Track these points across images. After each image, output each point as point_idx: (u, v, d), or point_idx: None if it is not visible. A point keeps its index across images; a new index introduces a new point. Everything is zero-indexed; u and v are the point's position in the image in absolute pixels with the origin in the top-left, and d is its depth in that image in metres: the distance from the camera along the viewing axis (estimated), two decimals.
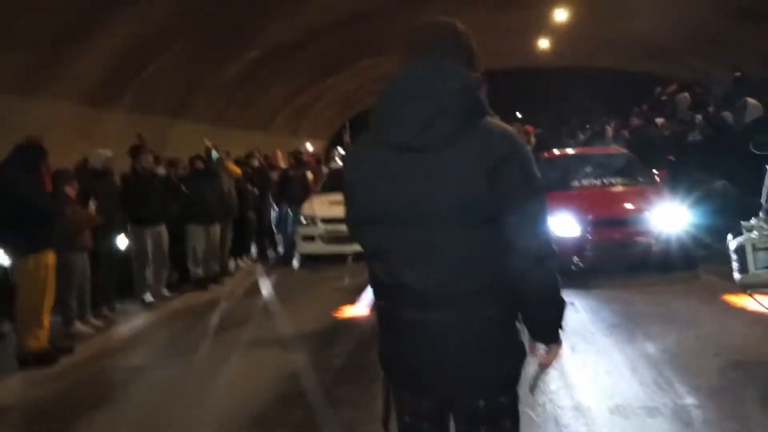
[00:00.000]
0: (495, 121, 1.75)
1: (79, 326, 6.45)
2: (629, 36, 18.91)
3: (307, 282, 8.85)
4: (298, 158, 13.62)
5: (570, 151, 10.84)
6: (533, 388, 1.97)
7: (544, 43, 22.04)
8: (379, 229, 1.79)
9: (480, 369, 1.78)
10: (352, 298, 7.32)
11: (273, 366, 5.11)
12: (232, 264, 10.00)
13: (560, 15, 17.20)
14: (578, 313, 5.84)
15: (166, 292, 8.10)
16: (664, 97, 15.13)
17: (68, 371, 5.36)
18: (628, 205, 7.87)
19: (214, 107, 17.36)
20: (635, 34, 18.27)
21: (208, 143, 9.68)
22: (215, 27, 13.45)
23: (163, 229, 7.99)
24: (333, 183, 11.26)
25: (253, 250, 10.97)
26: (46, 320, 5.52)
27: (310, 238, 10.05)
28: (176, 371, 5.25)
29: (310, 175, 12.98)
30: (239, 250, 10.21)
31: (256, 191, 10.82)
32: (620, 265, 7.33)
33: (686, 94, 14.73)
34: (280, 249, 11.51)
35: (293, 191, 11.95)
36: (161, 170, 8.73)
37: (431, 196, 1.70)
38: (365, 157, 1.83)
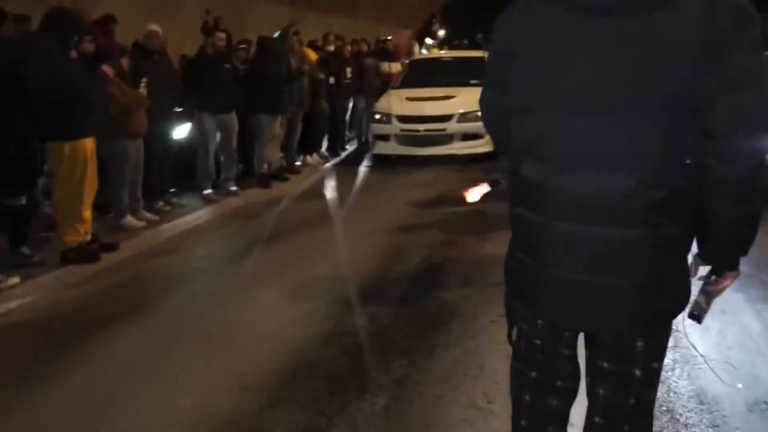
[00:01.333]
0: None
1: (130, 220, 6.02)
2: None
3: (375, 187, 8.07)
4: (380, 47, 12.56)
5: None
6: (699, 317, 1.63)
7: None
8: (542, 118, 1.45)
9: (647, 302, 1.46)
10: (423, 210, 6.54)
11: (319, 292, 4.39)
12: (300, 160, 9.39)
13: None
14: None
15: (233, 186, 7.55)
16: None
17: (108, 271, 4.94)
18: None
19: None
20: None
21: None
22: None
23: (232, 118, 7.33)
24: (413, 76, 10.24)
25: (326, 145, 10.27)
26: (87, 213, 5.05)
27: (384, 137, 9.19)
28: (218, 282, 4.73)
29: (392, 66, 11.94)
30: (309, 145, 9.53)
31: (331, 80, 9.97)
32: None
33: None
34: (348, 147, 10.76)
35: (370, 83, 11.06)
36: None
37: (630, 76, 1.35)
38: (531, 19, 1.47)
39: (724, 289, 1.57)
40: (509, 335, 1.75)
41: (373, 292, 4.32)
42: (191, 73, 7.15)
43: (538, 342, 1.64)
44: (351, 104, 10.93)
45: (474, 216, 5.93)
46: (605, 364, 1.56)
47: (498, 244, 4.53)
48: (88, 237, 5.11)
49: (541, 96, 1.46)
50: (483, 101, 1.68)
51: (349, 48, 10.63)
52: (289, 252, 5.41)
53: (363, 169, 9.31)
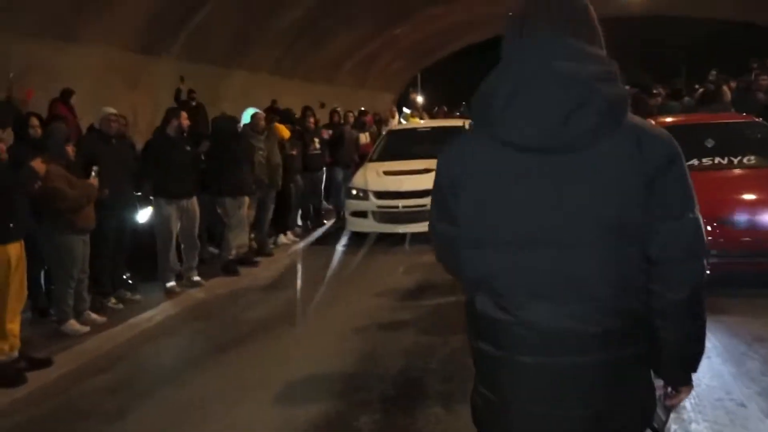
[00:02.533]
0: (637, 117, 1.45)
1: (73, 324, 5.37)
2: None
3: (350, 272, 7.47)
4: (358, 118, 12.24)
5: (683, 118, 8.72)
6: (659, 430, 1.56)
7: None
8: (491, 253, 1.46)
9: (609, 427, 1.45)
10: (402, 302, 5.94)
11: (281, 417, 3.81)
12: (273, 241, 8.83)
13: None
14: (708, 358, 4.22)
15: (196, 277, 6.94)
16: None
17: (33, 398, 4.26)
18: None
19: (272, 56, 16.20)
20: None
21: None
22: None
23: (194, 204, 6.79)
24: (391, 148, 9.83)
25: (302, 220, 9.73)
26: (12, 326, 4.43)
27: (362, 214, 8.67)
28: (168, 406, 4.06)
29: (365, 137, 11.57)
30: (282, 223, 8.98)
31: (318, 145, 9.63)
32: (763, 280, 5.50)
33: None
34: (327, 221, 10.25)
35: (345, 154, 10.64)
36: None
37: (573, 210, 1.39)
38: (474, 157, 1.48)
39: (680, 401, 1.59)
40: None
41: (337, 423, 3.67)
42: (149, 156, 6.63)
43: None
44: (324, 176, 10.48)
45: (459, 310, 5.33)
46: None
47: None
48: (14, 354, 4.46)
49: (487, 232, 1.47)
50: (433, 232, 1.66)
51: (312, 120, 10.19)
52: (245, 368, 4.72)
53: (339, 248, 8.74)
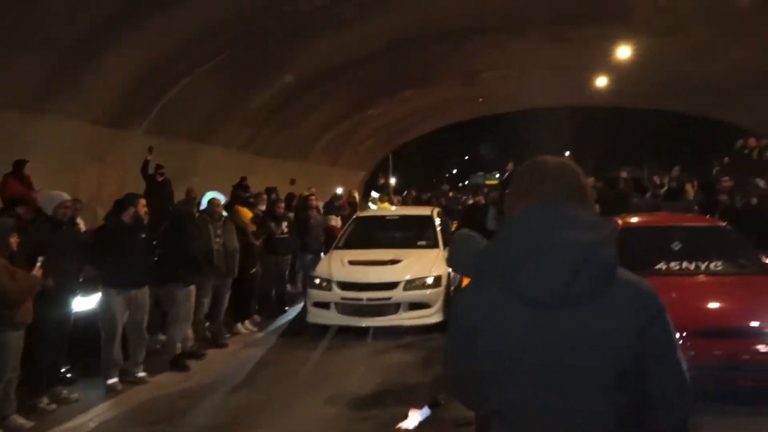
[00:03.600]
0: (627, 272, 1.68)
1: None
2: (692, 77, 17.48)
3: (306, 373, 7.00)
4: (330, 204, 12.12)
5: (650, 219, 8.47)
6: None
7: (601, 81, 20.35)
8: (506, 388, 1.66)
9: None
10: (358, 413, 5.55)
11: None
12: (237, 327, 8.43)
13: (623, 52, 15.61)
14: None
15: (141, 373, 6.49)
16: (746, 151, 12.96)
17: None
18: (746, 306, 5.67)
19: (244, 133, 16.15)
20: (699, 75, 16.84)
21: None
22: (244, 49, 12.24)
23: (144, 294, 6.42)
24: (357, 235, 9.62)
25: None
26: None
27: (324, 305, 8.34)
28: None
29: (335, 221, 11.38)
30: (240, 312, 8.60)
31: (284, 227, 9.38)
32: (738, 397, 5.20)
33: None
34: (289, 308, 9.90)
35: (312, 240, 10.42)
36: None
37: (575, 357, 1.60)
38: (490, 306, 1.69)
39: None
40: None
41: None
42: (102, 243, 6.28)
43: None
44: (289, 260, 10.19)
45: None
46: None
47: None
48: None
49: (503, 370, 1.64)
50: (452, 367, 1.82)
51: (282, 204, 10.01)
52: None
53: (300, 341, 8.32)
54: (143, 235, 6.41)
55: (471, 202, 12.67)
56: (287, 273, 10.22)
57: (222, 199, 8.06)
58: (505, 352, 1.64)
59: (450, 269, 4.61)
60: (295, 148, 19.45)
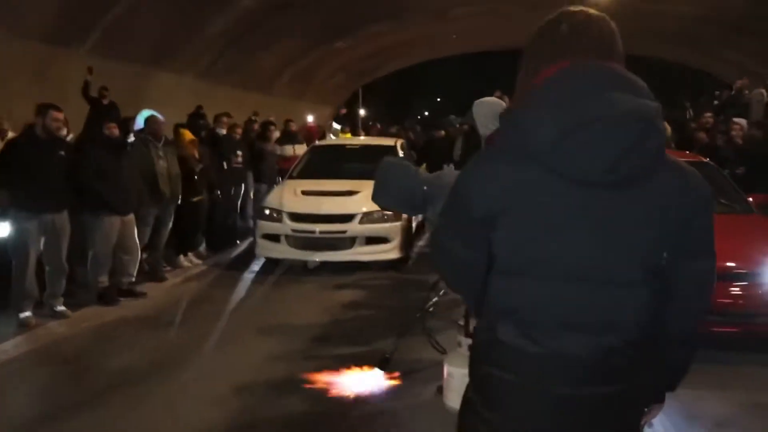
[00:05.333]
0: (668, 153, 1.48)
1: None
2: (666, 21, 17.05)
3: (249, 309, 6.39)
4: (287, 130, 11.26)
5: None
6: None
7: None
8: (529, 283, 1.46)
9: None
10: (302, 354, 4.98)
11: None
12: (180, 260, 7.76)
13: None
14: None
15: (60, 306, 5.79)
16: (734, 92, 12.53)
17: None
18: (737, 248, 4.89)
19: (202, 60, 15.06)
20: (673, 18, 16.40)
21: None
22: None
23: (62, 220, 5.66)
24: (313, 165, 8.90)
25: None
26: None
27: (274, 238, 7.68)
28: None
29: (297, 149, 10.58)
30: (184, 244, 7.90)
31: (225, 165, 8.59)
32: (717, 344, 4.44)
33: (762, 90, 12.15)
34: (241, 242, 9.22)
35: (268, 171, 9.68)
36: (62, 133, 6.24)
37: (616, 245, 1.43)
38: (516, 185, 1.44)
39: (653, 417, 1.67)
40: None
41: None
42: (9, 160, 5.47)
43: None
44: (242, 191, 9.44)
45: (369, 363, 4.45)
46: None
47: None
48: None
49: (527, 262, 1.46)
50: (447, 257, 1.60)
51: (239, 130, 9.24)
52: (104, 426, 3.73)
53: (247, 275, 7.70)
54: (62, 153, 5.60)
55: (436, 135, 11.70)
56: (238, 204, 9.50)
57: (161, 118, 7.21)
58: (534, 242, 1.44)
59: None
60: (258, 80, 18.40)
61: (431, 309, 4.20)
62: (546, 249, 1.44)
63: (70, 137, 6.34)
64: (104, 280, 6.19)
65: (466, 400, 1.63)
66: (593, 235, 1.42)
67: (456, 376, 3.60)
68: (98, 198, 5.93)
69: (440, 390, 3.88)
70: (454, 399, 3.63)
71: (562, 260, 1.44)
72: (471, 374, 1.60)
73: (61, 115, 5.57)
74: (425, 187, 3.55)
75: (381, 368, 4.32)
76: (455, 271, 1.63)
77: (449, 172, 5.75)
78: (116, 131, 6.18)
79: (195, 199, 7.59)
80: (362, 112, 22.90)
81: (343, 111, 20.65)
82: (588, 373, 1.45)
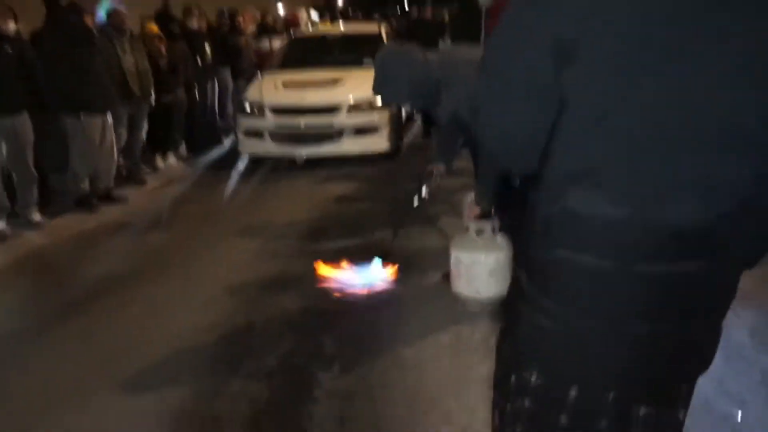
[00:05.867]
0: None
1: None
2: None
3: (236, 209, 6.07)
4: (263, 23, 10.53)
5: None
6: None
7: None
8: (617, 136, 1.11)
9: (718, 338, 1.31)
10: (294, 250, 4.72)
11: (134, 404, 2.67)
12: (159, 162, 7.36)
13: None
14: None
15: (35, 215, 5.45)
16: None
17: None
18: None
19: None
20: None
21: None
22: None
23: (22, 123, 5.20)
24: (293, 57, 8.31)
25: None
26: None
27: (257, 134, 7.25)
28: None
29: (275, 43, 9.91)
30: (162, 145, 7.47)
31: (200, 61, 7.99)
32: None
33: None
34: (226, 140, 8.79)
35: (245, 64, 9.07)
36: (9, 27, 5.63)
37: (733, 85, 1.07)
38: (598, 7, 1.08)
39: None
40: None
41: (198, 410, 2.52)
42: None
43: (564, 419, 1.29)
44: (218, 88, 8.89)
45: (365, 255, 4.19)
46: (642, 411, 1.28)
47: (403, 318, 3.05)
48: None
49: (616, 109, 1.10)
50: (500, 121, 1.24)
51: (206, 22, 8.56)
52: (92, 334, 3.51)
53: (231, 175, 7.30)
54: (9, 50, 5.04)
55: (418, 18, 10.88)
56: (216, 102, 8.96)
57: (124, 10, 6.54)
58: (624, 81, 1.10)
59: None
60: None
61: (425, 197, 3.89)
62: (636, 89, 1.10)
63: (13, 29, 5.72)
64: (86, 185, 5.81)
65: (515, 294, 1.35)
66: (702, 72, 1.08)
67: (464, 261, 3.35)
68: (75, 96, 5.48)
69: (445, 277, 3.66)
70: (461, 285, 3.41)
71: (657, 105, 1.10)
72: (524, 260, 1.32)
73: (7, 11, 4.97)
74: (436, 73, 3.15)
75: (382, 259, 4.06)
76: (501, 134, 1.28)
77: (454, 49, 5.27)
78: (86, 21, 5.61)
79: (167, 99, 7.05)
80: (340, 1, 21.71)
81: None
82: (687, 245, 1.15)
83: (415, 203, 3.89)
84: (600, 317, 1.22)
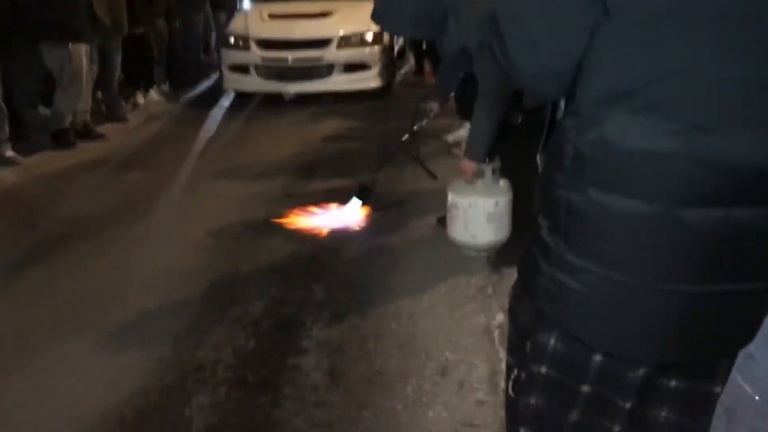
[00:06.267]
0: None
1: None
2: None
3: (224, 143, 5.83)
4: None
5: None
6: None
7: None
8: (667, 49, 0.92)
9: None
10: (292, 184, 4.51)
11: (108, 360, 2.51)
12: (139, 98, 7.02)
13: None
14: None
15: (8, 152, 5.16)
16: None
17: None
18: None
19: None
20: None
21: None
22: None
23: None
24: None
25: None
26: None
27: (242, 69, 6.90)
28: None
29: None
30: (140, 79, 7.11)
31: None
32: None
33: None
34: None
35: None
36: None
37: None
38: None
39: None
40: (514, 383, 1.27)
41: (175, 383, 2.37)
42: None
43: (586, 389, 1.15)
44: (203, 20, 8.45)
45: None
46: (672, 383, 1.16)
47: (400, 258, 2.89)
48: None
49: (672, 10, 0.90)
50: (530, 26, 1.01)
51: None
52: (65, 278, 3.32)
53: (216, 112, 7.02)
54: None
55: None
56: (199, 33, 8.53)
57: None
58: None
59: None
60: None
61: (416, 130, 3.68)
62: None
63: None
64: (67, 121, 5.53)
65: (533, 245, 1.16)
66: None
67: (461, 205, 3.17)
68: (64, 24, 5.19)
69: (441, 221, 3.48)
70: (458, 231, 3.24)
71: (716, 14, 0.90)
72: (544, 206, 1.12)
73: None
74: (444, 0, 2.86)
75: (360, 198, 3.84)
76: (542, 59, 1.05)
77: None
78: None
79: (138, 30, 6.62)
80: None
81: None
82: (747, 188, 0.97)
83: (404, 138, 3.69)
84: (635, 273, 1.04)
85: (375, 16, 2.86)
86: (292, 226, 3.82)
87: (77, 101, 5.61)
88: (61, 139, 5.55)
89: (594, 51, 0.98)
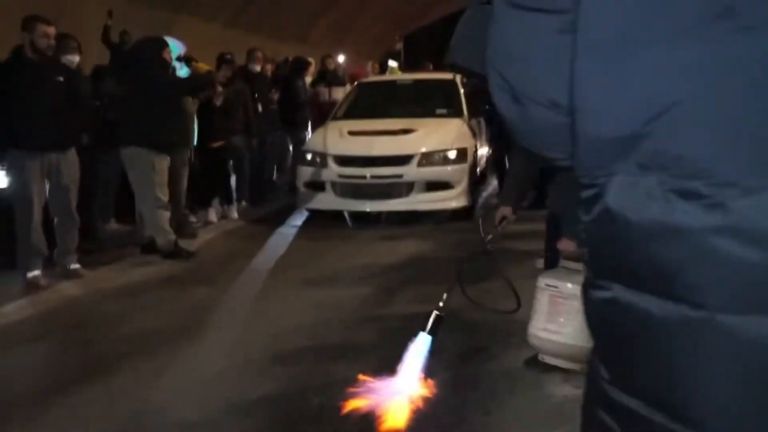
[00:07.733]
0: None
1: None
2: None
3: (298, 264, 5.42)
4: (322, 69, 10.11)
5: None
6: None
7: None
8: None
9: None
10: (368, 308, 4.00)
11: None
12: (210, 214, 6.85)
13: None
14: None
15: (74, 264, 4.94)
16: None
17: None
18: None
19: (231, 6, 14.00)
20: None
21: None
22: None
23: (68, 159, 4.75)
24: (360, 104, 7.81)
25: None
26: None
27: (318, 186, 6.68)
28: None
29: (335, 92, 9.44)
30: (216, 194, 6.96)
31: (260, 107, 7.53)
32: None
33: None
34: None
35: (297, 113, 8.52)
36: (72, 59, 5.33)
37: None
38: None
39: None
40: None
41: None
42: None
43: None
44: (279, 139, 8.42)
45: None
46: None
47: None
48: None
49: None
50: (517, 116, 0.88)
51: (270, 66, 8.18)
52: (119, 396, 2.87)
53: (287, 230, 6.70)
54: (60, 78, 4.66)
55: None
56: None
57: (177, 50, 6.14)
58: None
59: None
60: (292, 29, 17.29)
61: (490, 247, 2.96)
62: None
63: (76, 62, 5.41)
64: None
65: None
66: None
67: (562, 290, 2.56)
68: (162, 134, 5.26)
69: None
70: (575, 331, 2.59)
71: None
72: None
73: (51, 30, 4.58)
74: None
75: (430, 334, 3.11)
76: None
77: None
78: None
79: (215, 144, 6.54)
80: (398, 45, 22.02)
81: (399, 45, 19.07)
82: None
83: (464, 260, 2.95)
84: (663, 410, 0.76)
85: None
86: (366, 355, 3.27)
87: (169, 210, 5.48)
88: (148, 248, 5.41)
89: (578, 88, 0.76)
